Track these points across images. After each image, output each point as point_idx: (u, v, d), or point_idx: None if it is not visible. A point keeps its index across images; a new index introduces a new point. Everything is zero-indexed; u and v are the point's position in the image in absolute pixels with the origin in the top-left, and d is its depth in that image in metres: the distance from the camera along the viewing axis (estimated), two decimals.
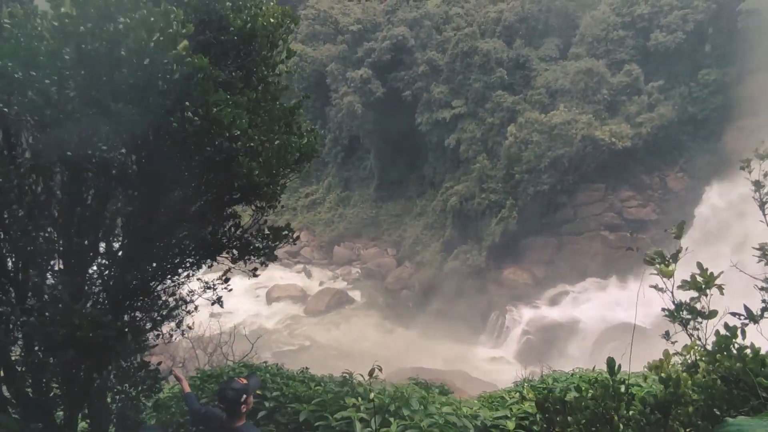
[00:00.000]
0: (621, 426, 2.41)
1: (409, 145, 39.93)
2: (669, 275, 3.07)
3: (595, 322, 28.63)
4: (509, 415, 4.64)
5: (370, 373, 4.10)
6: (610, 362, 2.72)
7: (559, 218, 33.16)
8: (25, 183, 4.02)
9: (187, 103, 3.67)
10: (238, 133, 3.69)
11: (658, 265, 3.11)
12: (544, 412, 2.68)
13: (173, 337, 6.18)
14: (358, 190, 42.99)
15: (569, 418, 2.55)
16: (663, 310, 3.15)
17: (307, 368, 7.05)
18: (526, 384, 6.49)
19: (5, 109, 3.91)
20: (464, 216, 34.79)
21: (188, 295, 5.75)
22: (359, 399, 4.79)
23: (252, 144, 3.84)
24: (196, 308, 6.26)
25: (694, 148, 32.24)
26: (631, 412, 2.53)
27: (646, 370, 3.37)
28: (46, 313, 3.88)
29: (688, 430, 2.39)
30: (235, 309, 31.15)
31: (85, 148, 3.89)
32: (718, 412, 2.38)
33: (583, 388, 3.07)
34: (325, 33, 42.05)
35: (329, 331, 31.95)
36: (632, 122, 31.84)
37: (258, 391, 6.21)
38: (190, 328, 6.18)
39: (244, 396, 4.00)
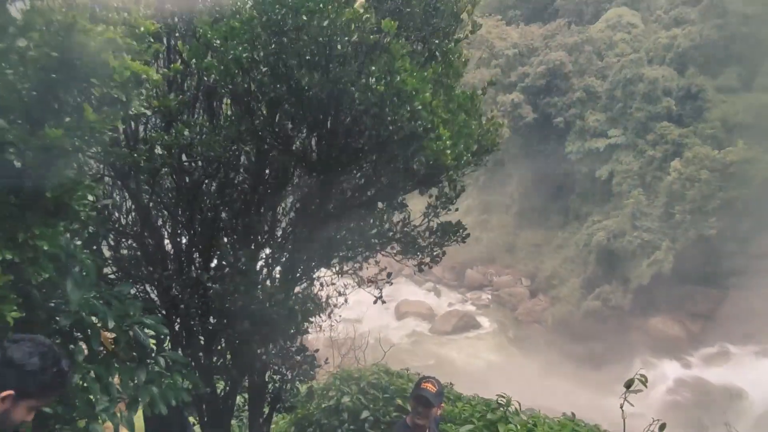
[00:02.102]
0: None
1: (555, 174, 38.11)
2: None
3: (763, 394, 24.57)
4: None
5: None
6: None
7: (726, 268, 29.07)
8: (224, 155, 4.34)
9: (372, 68, 3.64)
10: (420, 107, 3.58)
11: None
12: None
13: (321, 330, 6.32)
14: (497, 215, 41.95)
15: None
16: None
17: (452, 384, 6.79)
18: None
19: (205, 78, 4.29)
20: (610, 254, 32.11)
21: (343, 287, 5.84)
22: (518, 426, 4.45)
23: (434, 121, 3.69)
24: (346, 301, 6.35)
25: None
26: None
27: None
28: (229, 282, 4.14)
29: None
30: (364, 318, 31.92)
31: (272, 123, 4.11)
32: None
33: None
34: (479, 57, 42.07)
35: (454, 353, 31.34)
36: None
37: (399, 401, 6.06)
38: (331, 326, 6.28)
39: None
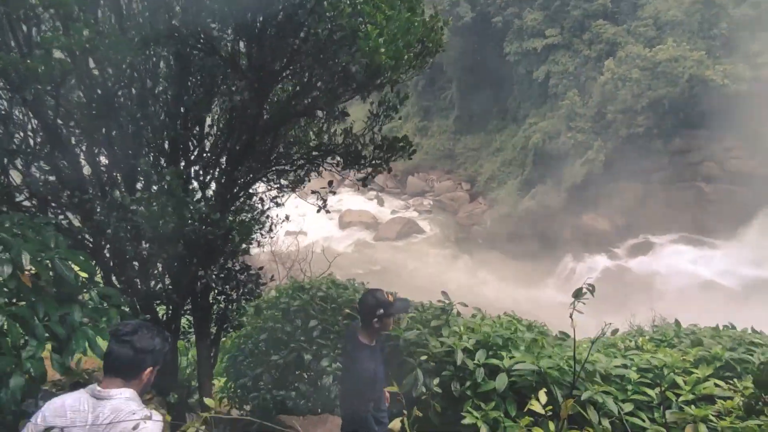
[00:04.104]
0: None
1: (494, 77, 37.83)
2: None
3: (677, 279, 27.08)
4: (629, 365, 4.23)
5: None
6: None
7: (651, 165, 30.67)
8: (136, 61, 3.80)
9: None
10: (362, 1, 3.18)
11: None
12: (764, 390, 2.22)
13: (263, 246, 6.11)
14: (437, 121, 41.81)
15: None
16: None
17: (396, 292, 6.83)
18: (640, 334, 5.98)
19: None
20: (546, 155, 33.06)
21: (280, 197, 5.56)
22: (461, 329, 4.51)
23: (378, 18, 3.30)
24: (287, 217, 6.13)
25: None
26: None
27: None
28: (155, 204, 3.78)
29: None
30: (309, 230, 31.98)
31: (193, 23, 3.58)
32: None
33: None
34: None
35: (398, 259, 32.29)
36: (752, 63, 28.27)
37: (347, 311, 6.08)
38: (272, 237, 6.08)
39: (381, 311, 3.70)
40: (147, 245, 4.39)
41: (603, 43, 31.92)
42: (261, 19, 3.63)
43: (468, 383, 4.30)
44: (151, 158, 4.45)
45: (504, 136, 38.00)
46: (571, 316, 3.18)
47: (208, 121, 4.78)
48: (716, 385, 4.16)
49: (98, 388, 2.44)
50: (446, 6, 35.97)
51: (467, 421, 4.06)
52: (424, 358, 4.56)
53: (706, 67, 27.89)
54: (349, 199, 36.85)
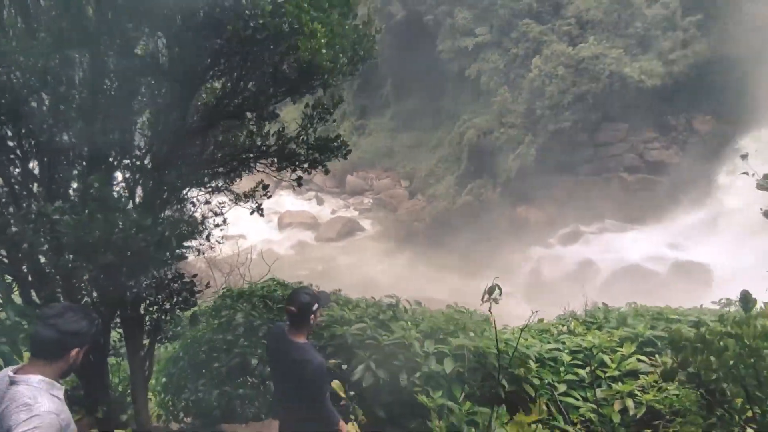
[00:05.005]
0: None
1: (428, 75, 38.46)
2: None
3: (607, 264, 28.57)
4: (561, 348, 4.45)
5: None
6: (746, 295, 2.38)
7: (579, 157, 32.24)
8: (47, 65, 3.56)
9: None
10: (284, 0, 3.12)
11: None
12: (678, 351, 2.40)
13: (199, 253, 5.94)
14: (374, 119, 41.98)
15: (712, 358, 2.25)
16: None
17: (339, 290, 6.85)
18: (572, 318, 6.27)
19: None
20: (481, 150, 33.96)
21: (218, 206, 5.43)
22: (408, 323, 4.58)
23: (302, 18, 3.24)
24: (225, 221, 5.98)
25: (726, 91, 30.71)
26: None
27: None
28: (82, 213, 3.56)
29: None
30: (247, 233, 31.30)
31: (105, 22, 3.40)
32: None
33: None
34: None
35: (340, 259, 32.21)
36: (664, 59, 30.22)
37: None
38: (211, 243, 5.93)
39: (316, 306, 3.70)
40: (71, 257, 4.14)
41: (530, 41, 33.11)
42: (179, 18, 3.49)
43: (417, 373, 4.40)
44: (72, 165, 4.20)
45: (440, 132, 38.69)
46: (490, 310, 3.33)
47: (133, 125, 4.57)
48: (639, 360, 4.46)
49: (10, 373, 2.50)
50: (378, 4, 36.17)
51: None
52: (371, 352, 4.61)
53: (624, 64, 29.54)
54: (287, 200, 36.37)
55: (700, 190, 29.22)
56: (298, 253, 32.86)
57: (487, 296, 3.54)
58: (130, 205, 4.46)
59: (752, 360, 2.29)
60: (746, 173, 3.48)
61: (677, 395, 3.75)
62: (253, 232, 32.34)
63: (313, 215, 36.27)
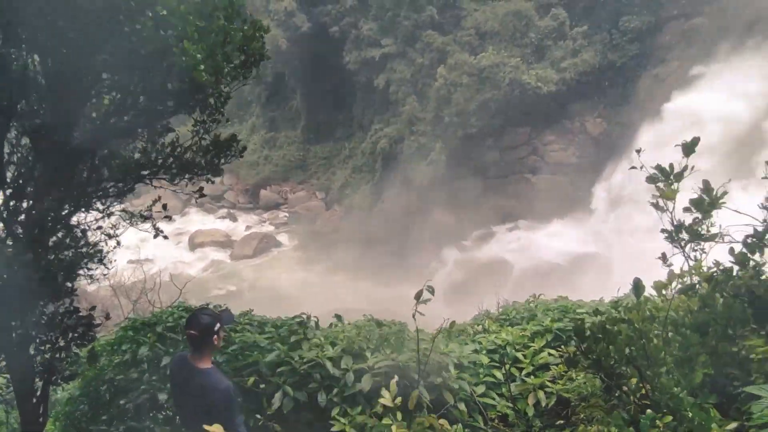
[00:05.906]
0: (662, 348, 2.25)
1: (337, 85, 38.63)
2: (671, 197, 2.93)
3: (518, 262, 29.99)
4: (479, 349, 4.55)
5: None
6: (638, 283, 2.54)
7: (487, 161, 33.76)
8: None
9: None
10: (165, 13, 2.94)
11: (661, 186, 2.96)
12: (582, 341, 2.50)
13: (98, 281, 5.50)
14: (285, 132, 41.42)
15: (610, 347, 2.37)
16: (662, 231, 3.04)
17: (251, 310, 6.61)
18: (486, 317, 6.45)
19: None
20: (394, 159, 34.57)
21: (112, 228, 5.03)
22: (322, 339, 4.48)
23: (188, 30, 3.07)
24: (118, 243, 5.55)
25: (613, 95, 33.46)
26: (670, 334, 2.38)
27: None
28: None
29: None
30: (154, 256, 29.71)
31: None
32: (731, 332, 2.29)
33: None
34: None
35: (257, 276, 31.33)
36: (557, 67, 32.40)
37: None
38: (108, 269, 5.50)
39: (218, 326, 3.50)
40: None
41: (434, 51, 34.22)
42: (54, 30, 3.21)
43: (335, 390, 4.31)
44: None
45: (353, 143, 38.90)
46: (413, 317, 3.35)
47: (7, 148, 4.13)
48: (549, 354, 4.66)
49: None
50: (282, 17, 35.87)
51: (336, 428, 4.06)
52: (285, 377, 4.47)
53: (521, 71, 31.30)
54: (197, 220, 34.92)
55: (599, 186, 31.51)
56: (212, 273, 31.58)
57: (417, 301, 3.54)
58: (9, 241, 4.03)
59: (642, 341, 2.46)
60: (634, 167, 3.73)
61: (584, 383, 3.95)
62: (163, 254, 30.75)
63: (226, 233, 35.05)
